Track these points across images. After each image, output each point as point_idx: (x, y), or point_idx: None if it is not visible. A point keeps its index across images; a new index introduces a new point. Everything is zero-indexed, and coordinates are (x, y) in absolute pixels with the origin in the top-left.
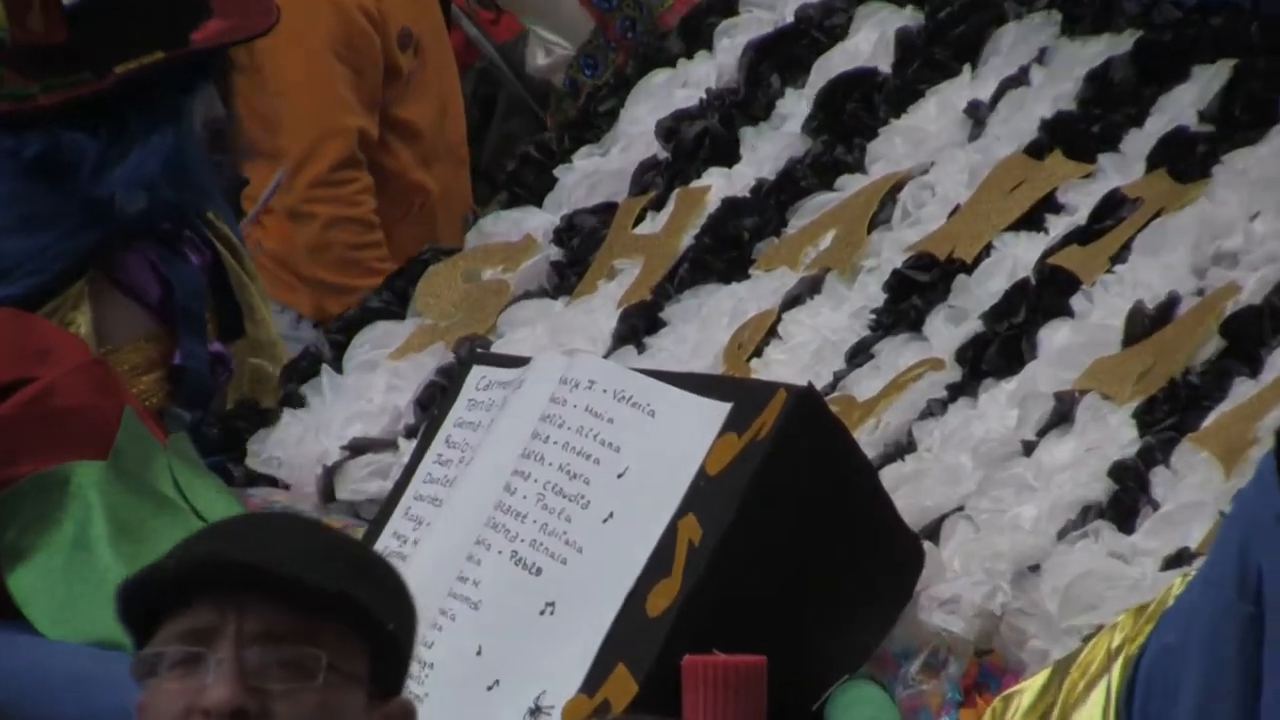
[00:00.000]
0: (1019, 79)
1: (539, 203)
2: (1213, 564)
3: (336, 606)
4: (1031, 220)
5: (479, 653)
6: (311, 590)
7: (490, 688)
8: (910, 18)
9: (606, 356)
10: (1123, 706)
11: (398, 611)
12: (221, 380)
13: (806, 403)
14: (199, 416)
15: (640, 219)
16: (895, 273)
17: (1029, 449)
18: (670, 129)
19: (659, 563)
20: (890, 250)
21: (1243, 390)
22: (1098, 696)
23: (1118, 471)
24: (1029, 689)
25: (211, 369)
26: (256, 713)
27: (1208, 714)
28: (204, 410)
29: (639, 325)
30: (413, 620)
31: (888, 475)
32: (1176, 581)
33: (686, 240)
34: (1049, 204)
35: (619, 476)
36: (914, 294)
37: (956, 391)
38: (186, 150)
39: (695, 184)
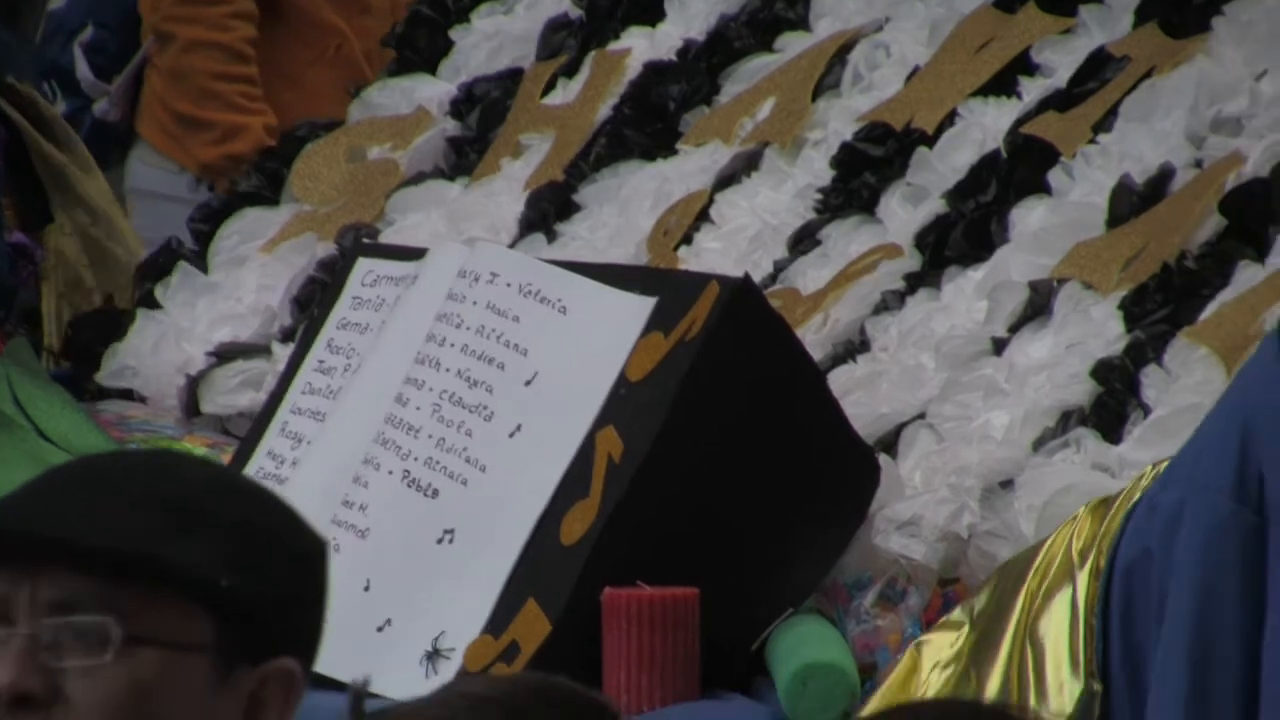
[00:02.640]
0: None
1: (433, 70)
2: (1200, 464)
3: (140, 569)
4: (1002, 84)
5: (366, 588)
6: (100, 553)
7: (381, 628)
8: None
9: (512, 246)
10: (1098, 621)
11: (247, 563)
12: (25, 275)
13: (742, 296)
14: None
15: (550, 87)
16: (844, 146)
17: (1000, 347)
18: None
19: (574, 482)
20: (839, 120)
21: (1247, 276)
22: (1061, 606)
23: (1102, 371)
24: (941, 637)
25: (11, 263)
26: (44, 696)
27: (1205, 628)
28: (7, 311)
29: (549, 210)
30: (288, 569)
31: (837, 379)
32: (1147, 471)
33: (603, 111)
34: (1022, 64)
35: (527, 384)
36: (866, 170)
37: (916, 282)
38: None
39: (613, 46)
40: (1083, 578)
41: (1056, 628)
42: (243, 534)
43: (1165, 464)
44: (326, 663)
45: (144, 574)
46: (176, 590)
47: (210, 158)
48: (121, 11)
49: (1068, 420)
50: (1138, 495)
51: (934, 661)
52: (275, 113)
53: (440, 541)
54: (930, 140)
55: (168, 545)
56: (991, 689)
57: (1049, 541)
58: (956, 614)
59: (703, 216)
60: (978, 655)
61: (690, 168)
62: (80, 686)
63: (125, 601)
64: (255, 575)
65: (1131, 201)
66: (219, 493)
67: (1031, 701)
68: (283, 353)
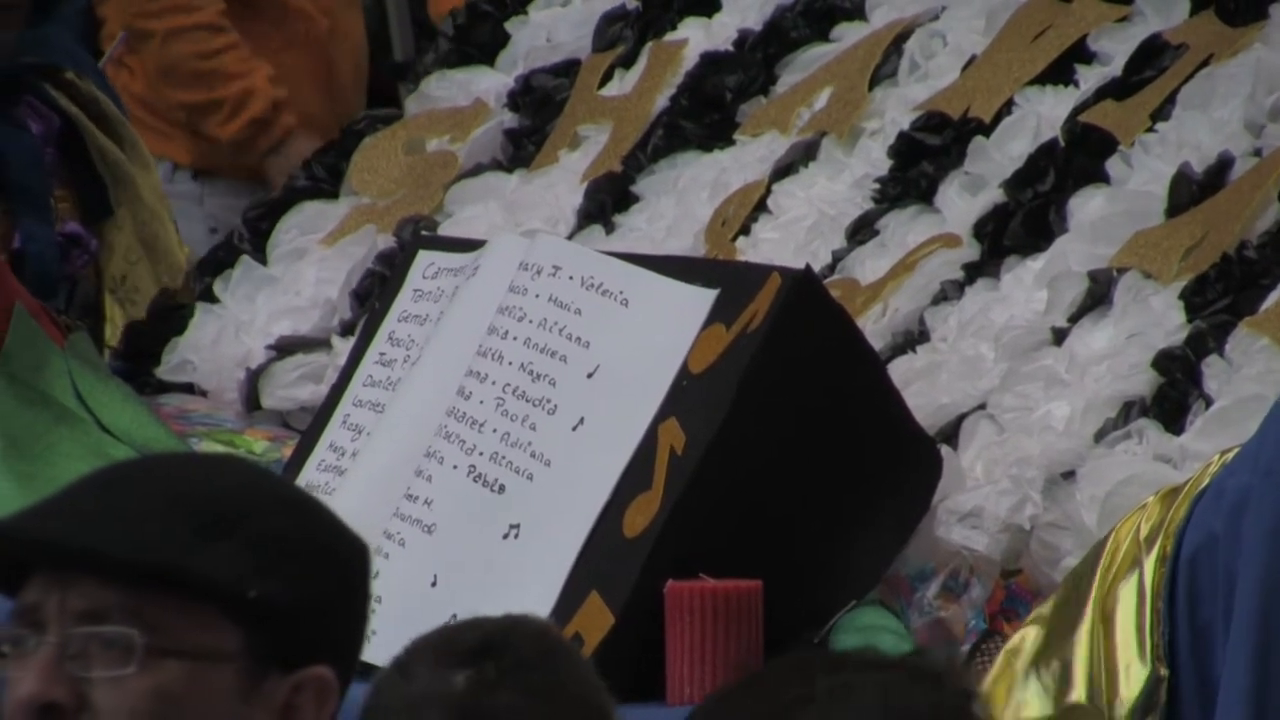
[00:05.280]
0: None
1: (490, 62)
2: (1266, 450)
3: (167, 580)
4: (1059, 72)
5: (434, 583)
6: (127, 564)
7: (448, 624)
8: None
9: (570, 237)
10: (1165, 606)
11: (278, 572)
12: (78, 265)
13: (803, 287)
14: (54, 307)
15: (607, 78)
16: (902, 135)
17: (1060, 337)
18: None
19: (637, 475)
20: (896, 109)
21: None
22: (1129, 592)
23: (1163, 362)
24: (1029, 634)
25: (64, 253)
26: (71, 706)
27: (1271, 616)
28: (49, 299)
29: (607, 201)
30: (322, 577)
31: (897, 369)
32: (1215, 460)
33: (660, 102)
34: (1079, 52)
35: (589, 376)
36: (924, 159)
37: (975, 272)
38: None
39: (670, 37)
40: (1149, 563)
41: (1125, 613)
42: (275, 542)
43: (1234, 452)
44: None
45: (171, 585)
46: (204, 600)
47: (232, 133)
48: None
49: (1129, 411)
50: (1205, 482)
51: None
52: None
53: (506, 536)
54: (987, 129)
55: (195, 555)
56: (1078, 676)
57: (1117, 529)
58: (1031, 617)
59: (760, 207)
60: (1059, 641)
61: (747, 158)
62: (106, 696)
63: (152, 612)
64: (286, 584)
65: (1190, 190)
66: (255, 500)
67: (1104, 686)
68: (342, 346)
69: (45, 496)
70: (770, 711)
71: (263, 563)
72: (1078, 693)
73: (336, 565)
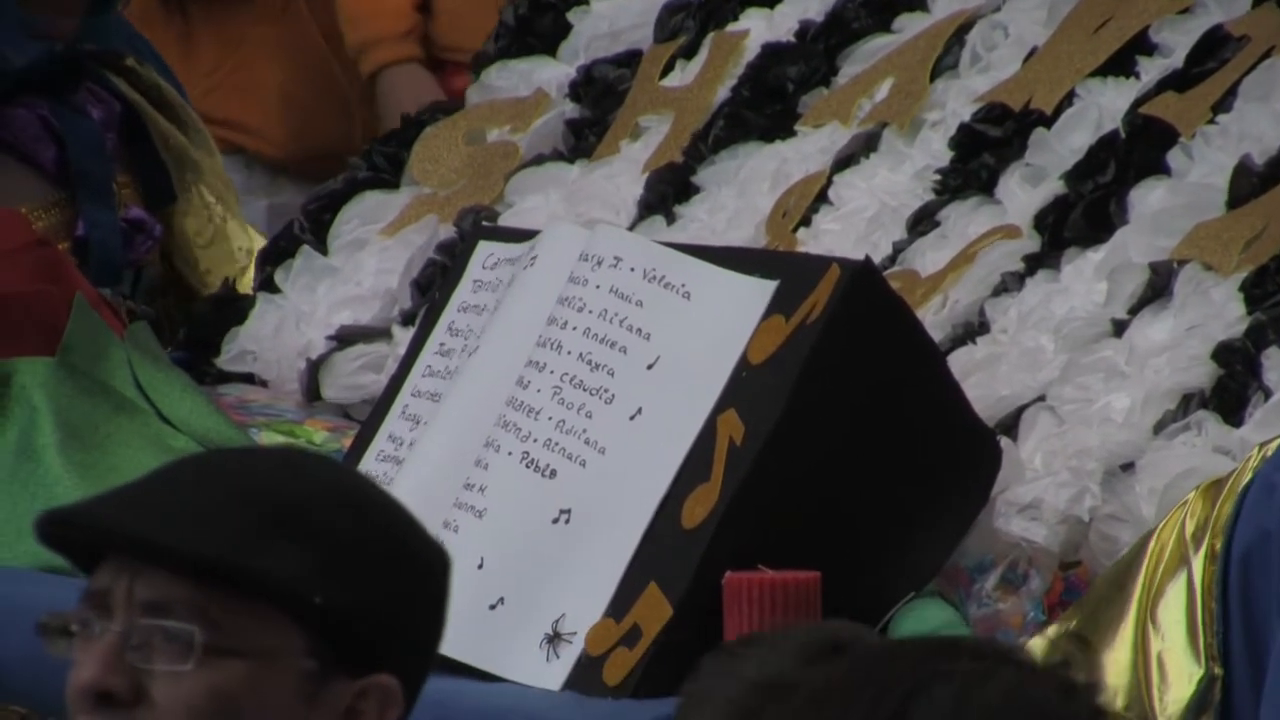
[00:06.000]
0: None
1: (552, 52)
2: None
3: (233, 578)
4: (1120, 64)
5: (480, 566)
6: (193, 559)
7: (494, 606)
8: None
9: (631, 228)
10: (1217, 605)
11: (348, 576)
12: (142, 250)
13: (863, 279)
14: (119, 293)
15: (668, 69)
16: (963, 126)
17: (1120, 329)
18: None
19: (695, 465)
20: (957, 101)
21: None
22: (1178, 591)
23: (1223, 353)
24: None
25: (128, 238)
26: (126, 696)
27: None
28: (113, 285)
29: (668, 192)
30: (394, 584)
31: (957, 361)
32: (1254, 453)
33: (722, 93)
34: (1140, 44)
35: (649, 367)
36: (985, 151)
37: (1035, 263)
38: None
39: (731, 27)
40: (1198, 562)
41: (1174, 612)
42: (347, 546)
43: (1275, 443)
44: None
45: (238, 583)
46: (270, 601)
47: None
48: None
49: (1189, 403)
50: (1249, 476)
51: None
52: (219, 74)
53: (556, 521)
54: (1049, 121)
55: (265, 556)
56: (1119, 677)
57: (1159, 530)
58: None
59: (821, 198)
60: (1092, 639)
61: (808, 149)
62: (164, 690)
63: (216, 609)
64: (355, 589)
65: (1251, 182)
66: (331, 502)
67: (1155, 688)
68: (403, 336)
69: (121, 484)
70: (906, 685)
71: (332, 566)
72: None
73: (410, 571)
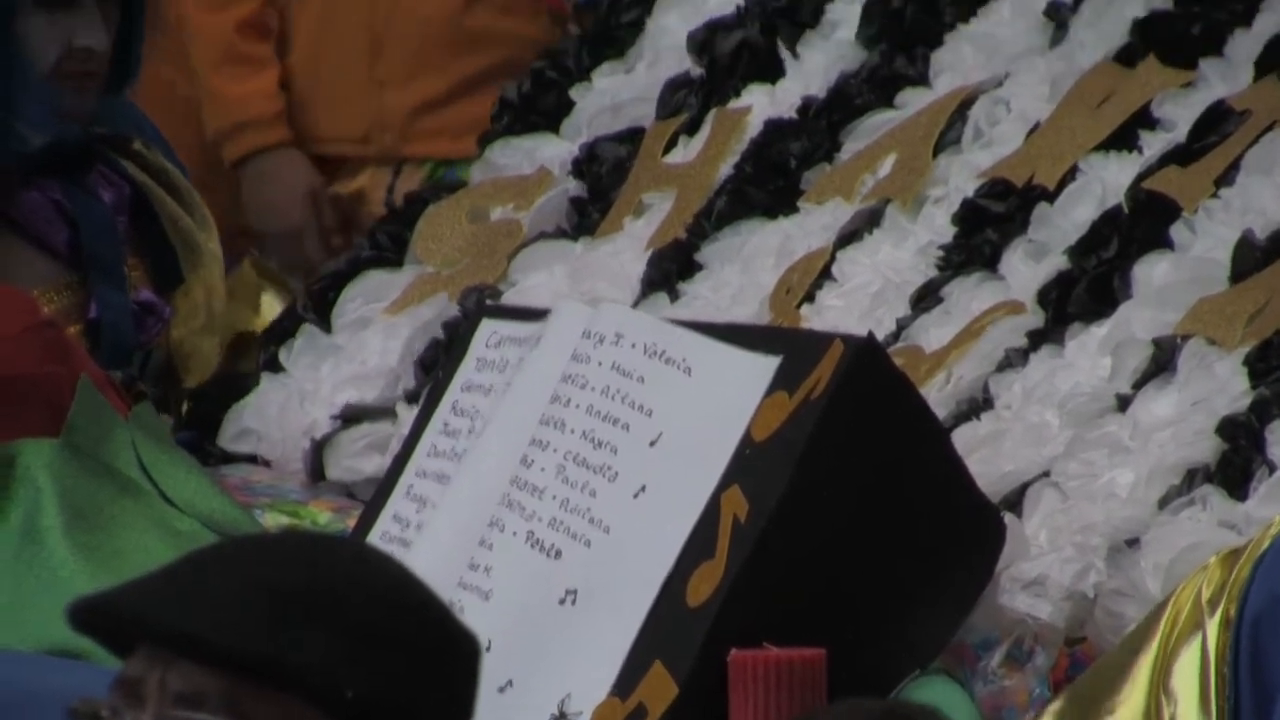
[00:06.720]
0: None
1: (555, 129)
2: None
3: (265, 671)
4: (1123, 138)
5: (488, 648)
6: (226, 653)
7: (502, 689)
8: None
9: (635, 305)
10: (1230, 671)
11: (379, 668)
12: (154, 332)
13: (866, 355)
14: (129, 375)
15: (671, 146)
16: (966, 202)
17: (1124, 404)
18: (704, 41)
19: (700, 543)
20: (960, 176)
21: None
22: (1192, 656)
23: (1228, 428)
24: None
25: (139, 320)
26: None
27: None
28: (124, 368)
29: (671, 269)
30: (426, 676)
31: (961, 437)
32: (1276, 521)
33: (725, 169)
34: (1143, 119)
35: (652, 444)
36: (988, 226)
37: (1039, 339)
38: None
39: (734, 104)
40: (1213, 627)
41: (1188, 678)
42: (379, 637)
43: None
44: None
45: (269, 675)
46: (301, 692)
47: None
48: None
49: (1193, 478)
50: (1267, 544)
51: None
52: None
53: (563, 602)
54: (1051, 196)
55: (298, 648)
56: None
57: (1177, 594)
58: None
59: (825, 274)
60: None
61: (812, 225)
62: None
63: (248, 702)
64: (386, 681)
65: (1255, 256)
66: (364, 589)
67: None
68: (407, 415)
69: (150, 572)
70: None
71: (364, 658)
72: None
73: (442, 664)
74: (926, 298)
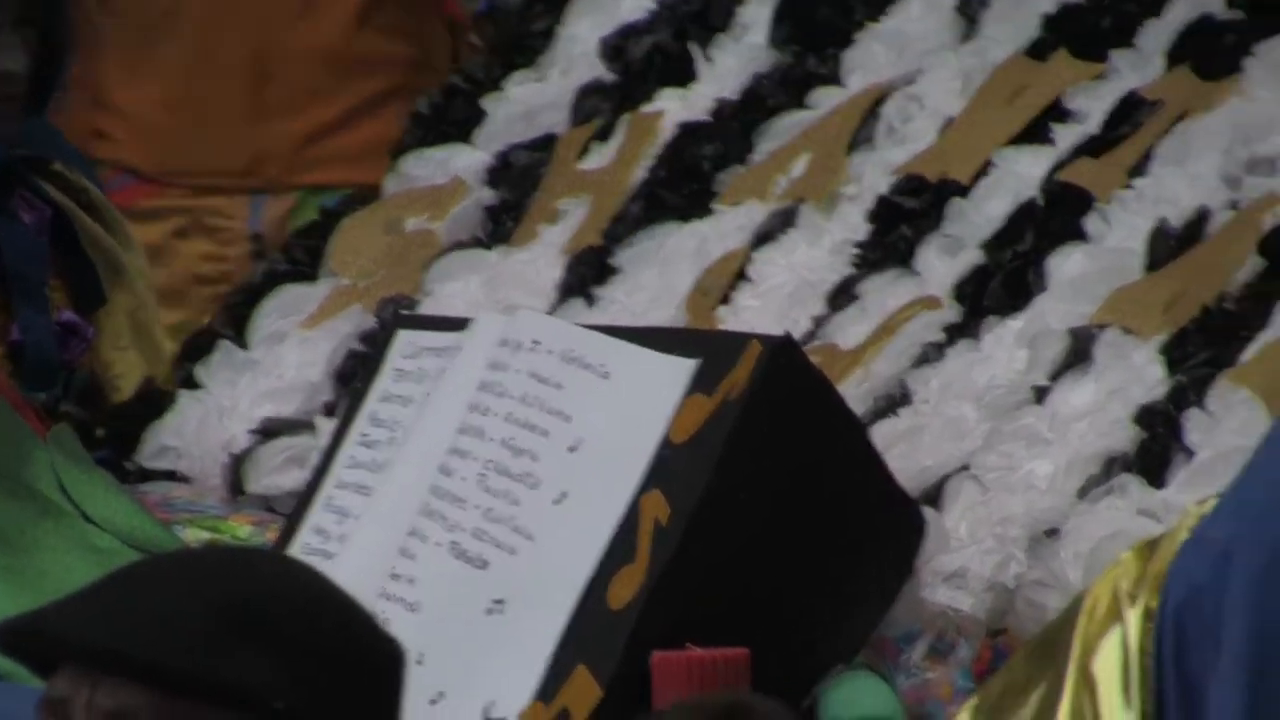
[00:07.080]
0: None
1: (467, 138)
2: (1252, 497)
3: (194, 685)
4: (1036, 132)
5: (420, 661)
6: (155, 668)
7: (434, 701)
8: None
9: (552, 312)
10: (1152, 661)
11: (308, 680)
12: (77, 353)
13: (784, 355)
14: (53, 396)
15: (585, 152)
16: (880, 199)
17: (1041, 395)
18: (616, 47)
19: (621, 547)
20: (874, 174)
21: None
22: (1112, 648)
23: (1145, 416)
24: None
25: (62, 342)
26: None
27: (1262, 666)
28: (48, 389)
29: (587, 274)
30: (354, 685)
31: (880, 433)
32: (1191, 509)
33: (639, 174)
34: (1055, 112)
35: (571, 450)
36: (902, 223)
37: (955, 333)
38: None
39: (646, 109)
40: (1134, 618)
41: (1108, 670)
42: (306, 649)
43: (1210, 502)
44: None
45: (197, 690)
46: (231, 706)
47: None
48: None
49: (1112, 467)
50: (1184, 534)
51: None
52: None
53: (490, 612)
54: (965, 191)
55: (224, 660)
56: None
57: (1093, 589)
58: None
59: (741, 275)
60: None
61: (727, 227)
62: None
63: (177, 716)
64: (314, 693)
65: (1169, 245)
66: (289, 602)
67: None
68: (326, 428)
69: (75, 590)
70: None
71: (292, 670)
72: None
73: (369, 672)
74: (842, 296)
